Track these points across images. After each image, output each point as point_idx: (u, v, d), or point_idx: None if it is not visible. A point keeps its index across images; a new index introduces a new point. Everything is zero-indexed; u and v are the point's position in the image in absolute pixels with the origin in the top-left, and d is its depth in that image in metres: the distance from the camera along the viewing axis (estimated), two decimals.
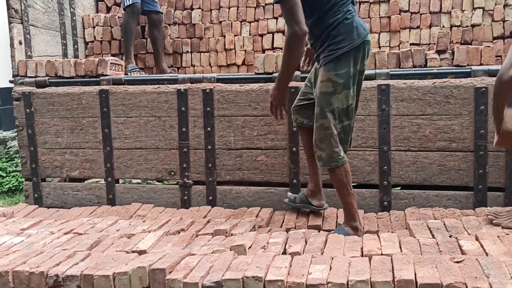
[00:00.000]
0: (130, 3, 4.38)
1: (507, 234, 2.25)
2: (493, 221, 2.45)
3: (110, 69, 3.55)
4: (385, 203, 3.09)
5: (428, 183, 3.06)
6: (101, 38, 4.76)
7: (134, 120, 3.40)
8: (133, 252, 2.21)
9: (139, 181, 3.92)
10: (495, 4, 4.24)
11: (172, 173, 3.38)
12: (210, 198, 3.33)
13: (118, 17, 4.75)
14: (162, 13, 4.66)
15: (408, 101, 3.03)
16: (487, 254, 1.98)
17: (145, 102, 3.37)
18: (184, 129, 3.32)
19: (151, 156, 3.40)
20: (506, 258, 1.89)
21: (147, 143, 3.40)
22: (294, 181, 3.20)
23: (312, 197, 2.91)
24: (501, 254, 1.95)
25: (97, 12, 5.09)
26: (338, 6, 2.41)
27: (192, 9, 4.75)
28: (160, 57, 4.58)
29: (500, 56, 4.04)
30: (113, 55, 4.68)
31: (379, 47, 4.40)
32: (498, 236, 2.18)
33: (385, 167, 3.07)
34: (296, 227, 2.77)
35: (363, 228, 2.66)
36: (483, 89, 2.92)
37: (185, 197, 3.35)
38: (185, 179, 3.34)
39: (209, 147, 3.30)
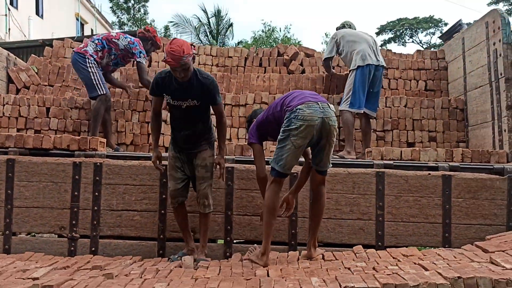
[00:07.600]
0: (104, 92, 5.29)
1: None
2: (243, 258, 3.72)
3: None
4: (227, 253, 4.19)
5: (258, 239, 4.22)
6: (9, 114, 5.56)
7: (35, 184, 4.23)
8: (28, 278, 3.03)
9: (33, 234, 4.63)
10: None
11: (63, 228, 4.21)
12: (93, 249, 4.18)
13: (27, 98, 5.63)
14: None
15: (246, 180, 4.26)
16: None
17: (45, 170, 4.24)
18: (76, 193, 4.22)
19: (46, 214, 4.22)
20: None
21: (43, 203, 4.22)
22: (161, 236, 4.20)
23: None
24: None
25: (7, 92, 5.95)
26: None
27: None
28: (109, 136, 5.48)
29: None
30: (18, 130, 5.51)
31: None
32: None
33: (229, 227, 4.20)
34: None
35: None
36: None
37: (72, 248, 4.17)
38: (73, 233, 4.18)
39: (95, 208, 4.21)
